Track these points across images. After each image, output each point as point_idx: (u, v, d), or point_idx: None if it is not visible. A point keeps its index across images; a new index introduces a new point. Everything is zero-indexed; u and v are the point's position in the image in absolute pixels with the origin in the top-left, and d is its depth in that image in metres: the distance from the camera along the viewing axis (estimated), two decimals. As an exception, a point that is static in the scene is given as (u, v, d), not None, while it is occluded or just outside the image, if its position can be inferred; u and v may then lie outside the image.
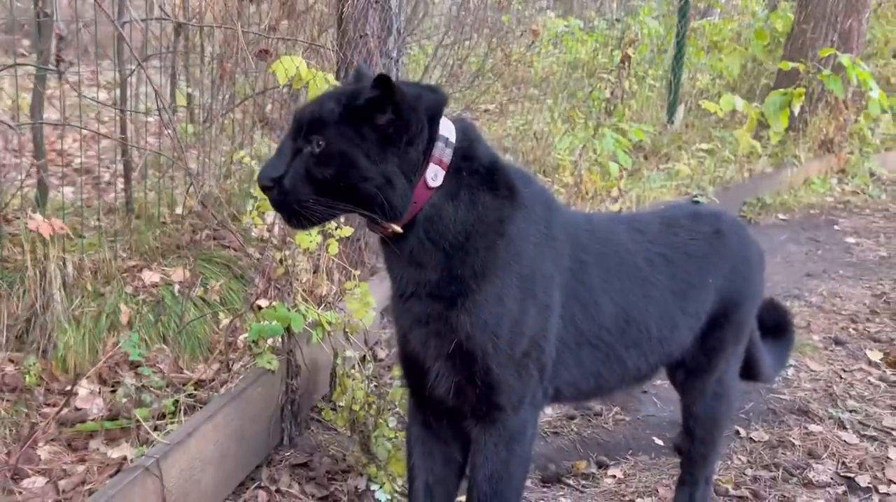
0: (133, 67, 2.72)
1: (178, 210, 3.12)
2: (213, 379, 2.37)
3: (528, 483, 2.13)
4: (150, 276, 2.66)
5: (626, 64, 3.70)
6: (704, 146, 5.37)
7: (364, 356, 2.33)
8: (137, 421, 2.08)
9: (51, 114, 3.26)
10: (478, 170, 1.46)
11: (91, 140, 3.51)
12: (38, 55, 2.52)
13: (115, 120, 3.14)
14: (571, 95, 6.19)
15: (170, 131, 2.09)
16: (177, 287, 2.67)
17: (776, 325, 2.27)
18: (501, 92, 5.96)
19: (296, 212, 1.38)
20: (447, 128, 1.44)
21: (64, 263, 2.46)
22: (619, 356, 1.65)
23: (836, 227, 5.26)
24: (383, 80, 1.34)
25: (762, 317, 2.22)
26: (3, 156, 3.26)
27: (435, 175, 1.41)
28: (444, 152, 1.42)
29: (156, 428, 2.06)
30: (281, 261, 2.06)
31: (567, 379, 1.60)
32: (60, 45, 2.04)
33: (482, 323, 1.44)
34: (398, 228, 1.42)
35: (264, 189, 1.39)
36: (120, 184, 3.16)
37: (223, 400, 1.91)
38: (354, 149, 1.35)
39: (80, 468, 1.97)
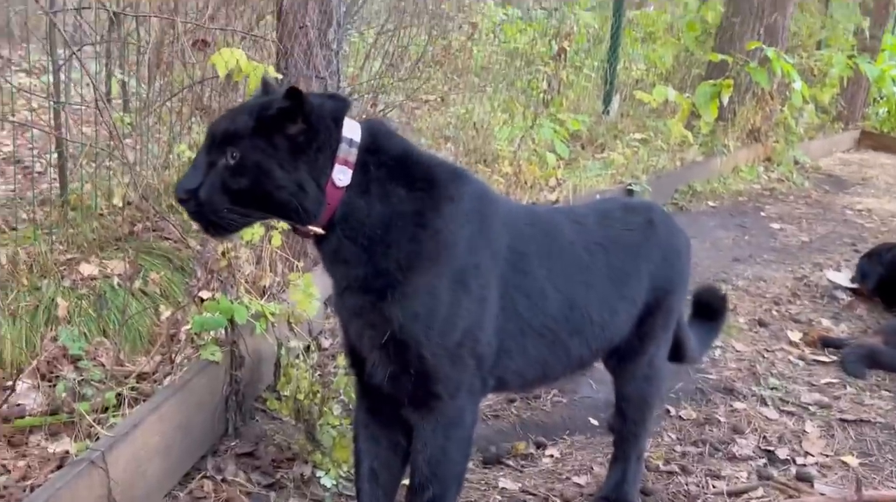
0: (66, 55, 2.67)
1: (116, 201, 3.07)
2: (156, 372, 2.37)
3: (470, 464, 2.21)
4: (88, 269, 2.62)
5: (563, 56, 3.79)
6: (638, 136, 5.53)
7: (308, 346, 2.36)
8: (79, 414, 2.08)
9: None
10: (385, 163, 1.51)
11: (22, 129, 3.42)
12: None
13: (49, 109, 3.06)
14: (511, 85, 6.28)
15: (105, 121, 2.06)
16: (116, 279, 2.64)
17: (710, 309, 2.40)
18: (442, 80, 6.01)
19: (212, 223, 1.45)
20: (351, 130, 1.50)
21: (-3, 257, 2.41)
22: (564, 343, 1.73)
23: (762, 214, 5.51)
24: (294, 93, 1.42)
25: (700, 299, 2.35)
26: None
27: (342, 175, 1.47)
28: (348, 152, 1.48)
29: (98, 422, 2.06)
30: (223, 253, 2.08)
31: (512, 368, 1.67)
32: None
33: (412, 313, 1.50)
34: (319, 230, 1.49)
35: (181, 201, 1.46)
36: (54, 174, 3.10)
37: (168, 391, 1.92)
38: (268, 160, 1.42)
39: (21, 463, 1.96)
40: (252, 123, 1.44)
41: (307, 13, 2.62)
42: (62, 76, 2.90)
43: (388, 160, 1.53)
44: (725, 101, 5.84)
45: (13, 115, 2.94)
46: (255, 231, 2.08)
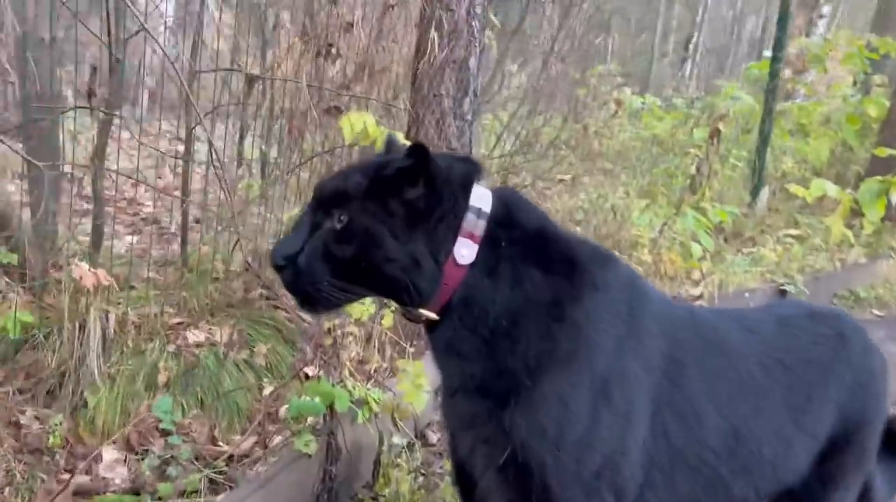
0: (199, 120, 2.64)
1: (234, 267, 2.99)
2: (248, 455, 2.17)
3: None
4: (195, 335, 2.50)
5: (716, 139, 3.45)
6: (793, 232, 5.02)
7: (412, 444, 2.08)
8: (159, 498, 1.89)
9: (125, 163, 3.22)
10: (519, 240, 1.26)
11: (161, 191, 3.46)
12: (105, 100, 2.45)
13: (177, 172, 3.06)
14: (647, 171, 5.98)
15: (224, 185, 1.94)
16: (222, 348, 2.50)
17: (890, 439, 1.94)
18: (576, 163, 5.79)
19: (309, 296, 1.24)
20: (480, 199, 1.27)
21: (107, 316, 2.32)
22: (724, 482, 1.36)
23: (939, 328, 4.79)
24: (418, 149, 1.20)
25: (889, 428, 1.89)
26: (68, 202, 3.20)
27: (466, 250, 1.23)
28: (475, 224, 1.24)
29: (177, 509, 1.87)
30: (329, 329, 1.87)
31: None
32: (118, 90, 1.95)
33: (539, 428, 1.20)
34: (432, 315, 1.24)
35: (276, 268, 1.25)
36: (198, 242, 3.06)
37: (251, 486, 1.69)
38: (379, 226, 1.21)
39: (91, 547, 1.78)
40: (366, 183, 1.23)
41: (443, 81, 2.46)
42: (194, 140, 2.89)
43: (521, 236, 1.27)
44: (894, 199, 5.25)
45: (158, 178, 2.97)
46: (365, 308, 1.86)
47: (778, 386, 1.45)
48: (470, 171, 1.28)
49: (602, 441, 1.22)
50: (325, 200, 1.26)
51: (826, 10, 8.36)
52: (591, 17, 5.58)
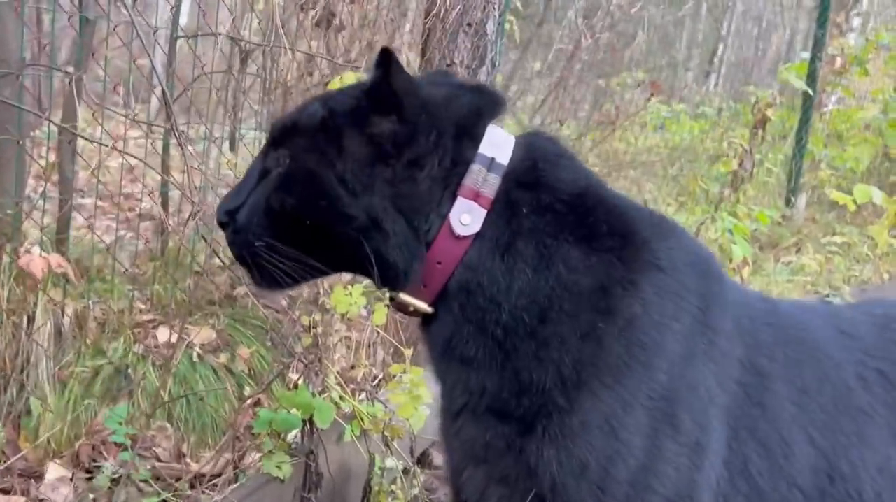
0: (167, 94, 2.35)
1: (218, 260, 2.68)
2: (222, 474, 1.84)
3: None
4: (165, 334, 2.19)
5: (762, 129, 3.10)
6: (837, 239, 4.66)
7: (408, 469, 1.74)
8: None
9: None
10: (550, 207, 0.93)
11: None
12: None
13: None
14: (674, 178, 5.66)
15: (186, 163, 1.64)
16: (197, 350, 2.18)
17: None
18: (599, 166, 5.48)
19: (247, 262, 0.94)
20: (495, 145, 0.93)
21: (62, 310, 2.02)
22: None
23: None
24: (385, 57, 0.87)
25: None
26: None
27: (467, 216, 0.90)
28: (483, 180, 0.91)
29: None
30: (309, 327, 1.54)
31: None
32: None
33: (579, 464, 0.87)
34: (420, 304, 0.93)
35: (220, 226, 0.96)
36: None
37: (202, 519, 1.36)
38: (326, 170, 0.90)
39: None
40: (321, 113, 0.92)
41: (457, 47, 2.14)
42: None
43: (554, 203, 0.94)
44: (943, 208, 4.86)
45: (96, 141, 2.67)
46: (353, 300, 1.52)
47: (881, 405, 1.10)
48: (479, 104, 0.95)
49: (664, 480, 0.88)
50: (277, 137, 0.95)
51: (864, 4, 7.98)
52: (617, 24, 5.30)
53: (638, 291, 0.90)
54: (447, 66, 2.19)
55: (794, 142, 5.99)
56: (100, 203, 2.84)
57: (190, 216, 1.49)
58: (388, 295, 0.97)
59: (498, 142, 0.94)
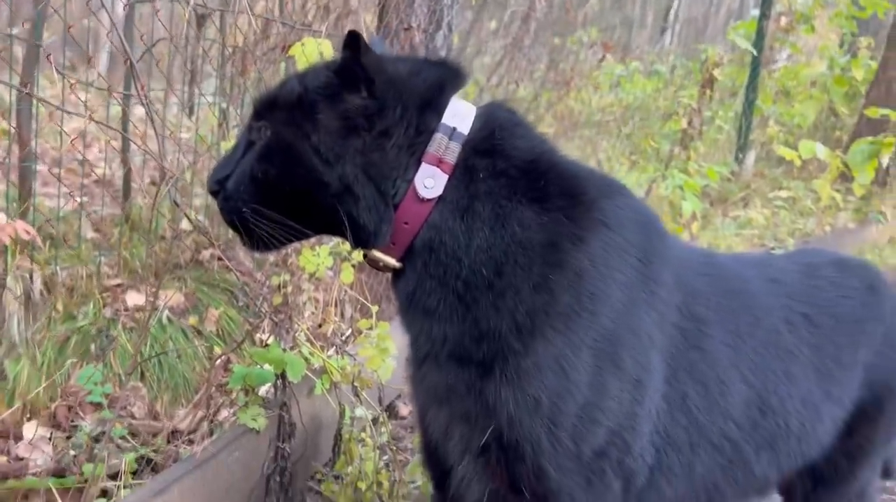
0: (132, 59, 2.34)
1: (184, 224, 2.71)
2: (196, 430, 1.92)
3: None
4: (135, 298, 2.23)
5: (709, 89, 3.21)
6: (782, 194, 4.84)
7: (377, 418, 1.84)
8: (85, 480, 1.64)
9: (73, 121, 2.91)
10: (505, 171, 1.01)
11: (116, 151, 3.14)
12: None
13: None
14: (628, 136, 5.77)
15: (155, 128, 1.67)
16: (166, 313, 2.24)
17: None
18: (555, 125, 5.55)
19: (237, 227, 1.03)
20: (457, 115, 1.02)
21: (31, 276, 2.05)
22: (747, 462, 1.14)
23: (929, 294, 4.65)
24: (352, 39, 0.95)
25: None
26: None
27: (430, 181, 0.99)
28: (444, 147, 1.00)
29: (104, 494, 1.61)
30: (279, 286, 1.61)
31: (669, 495, 1.09)
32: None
33: (532, 401, 0.97)
34: (390, 260, 1.01)
35: (212, 194, 1.05)
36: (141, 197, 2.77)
37: (182, 467, 1.45)
38: (302, 142, 0.98)
39: (2, 541, 1.52)
40: (299, 90, 1.00)
41: (413, 12, 2.19)
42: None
43: (509, 168, 1.02)
44: (885, 162, 5.07)
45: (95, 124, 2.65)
46: (321, 260, 1.60)
47: (805, 346, 1.23)
48: (441, 78, 1.03)
49: (608, 413, 0.98)
50: (259, 111, 1.03)
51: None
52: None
53: (586, 246, 0.99)
54: (405, 29, 2.24)
55: (743, 100, 6.14)
56: (55, 170, 2.84)
57: (163, 181, 1.53)
58: (361, 252, 1.05)
59: (459, 113, 1.02)
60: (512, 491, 0.99)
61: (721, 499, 1.19)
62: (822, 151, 4.94)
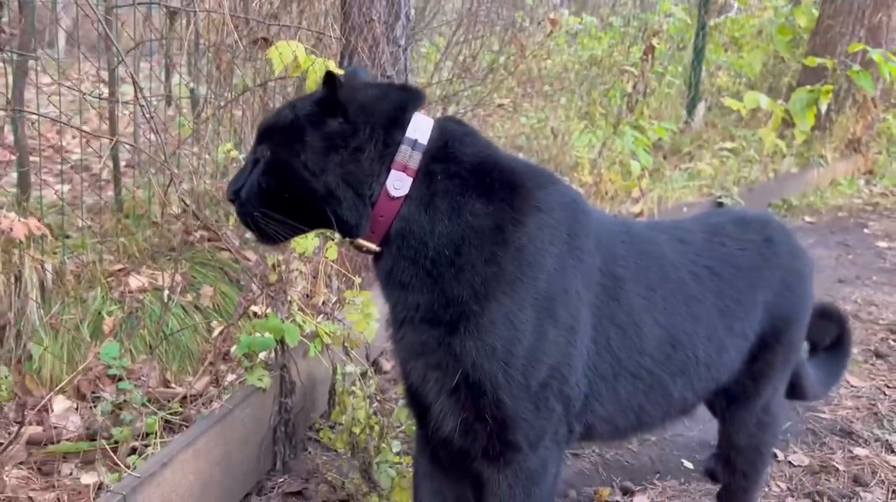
0: (120, 58, 2.52)
1: (174, 209, 2.92)
2: (203, 394, 2.18)
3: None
4: (137, 281, 2.46)
5: (650, 56, 3.47)
6: (728, 145, 5.13)
7: (365, 372, 2.12)
8: (115, 442, 1.90)
9: (48, 111, 3.07)
10: (457, 174, 1.27)
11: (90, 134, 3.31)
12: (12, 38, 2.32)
13: (105, 117, 2.94)
14: (587, 93, 5.99)
15: (152, 125, 1.89)
16: (166, 292, 2.47)
17: (830, 334, 2.06)
18: (515, 88, 5.76)
19: (251, 227, 1.30)
20: (418, 129, 1.27)
21: (42, 267, 2.26)
22: (664, 386, 1.44)
23: (865, 231, 5.02)
24: (329, 79, 1.20)
25: (812, 324, 2.01)
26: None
27: (398, 183, 1.25)
28: (408, 156, 1.25)
29: (133, 452, 1.87)
30: (274, 265, 1.86)
31: (602, 414, 1.39)
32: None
33: (489, 349, 1.25)
34: (371, 246, 1.28)
35: (230, 201, 1.33)
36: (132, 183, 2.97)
37: (205, 423, 1.71)
38: (293, 159, 1.24)
39: (50, 495, 1.78)
40: (290, 117, 1.26)
41: (373, 5, 2.40)
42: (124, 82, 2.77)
43: (460, 170, 1.28)
44: (823, 108, 5.38)
45: (84, 124, 2.83)
46: (308, 242, 1.86)
47: (709, 292, 1.51)
48: (404, 100, 1.28)
49: (548, 353, 1.27)
50: (261, 135, 1.29)
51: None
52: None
53: (524, 227, 1.26)
54: (367, 22, 2.45)
55: (692, 52, 6.38)
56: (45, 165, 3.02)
57: (169, 184, 1.76)
58: (347, 240, 1.31)
59: (420, 127, 1.27)
60: (478, 419, 1.27)
61: (648, 418, 1.49)
62: (765, 102, 5.24)
